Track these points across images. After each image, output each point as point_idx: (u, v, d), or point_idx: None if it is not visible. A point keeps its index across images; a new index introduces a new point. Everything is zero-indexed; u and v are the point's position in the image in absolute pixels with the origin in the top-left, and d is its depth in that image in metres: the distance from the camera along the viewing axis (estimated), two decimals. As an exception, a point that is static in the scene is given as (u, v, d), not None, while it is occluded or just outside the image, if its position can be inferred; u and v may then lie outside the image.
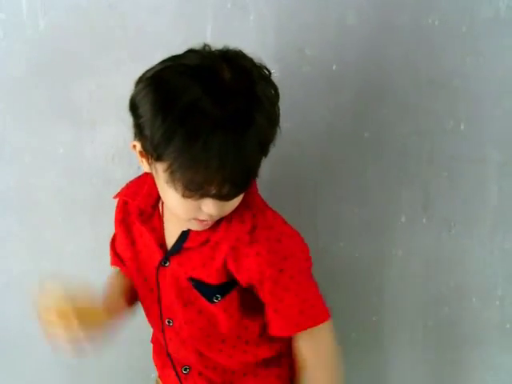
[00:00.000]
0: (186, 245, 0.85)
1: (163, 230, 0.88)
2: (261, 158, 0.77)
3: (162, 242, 0.88)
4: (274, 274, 0.81)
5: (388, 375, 1.24)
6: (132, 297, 0.98)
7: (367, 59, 1.03)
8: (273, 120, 0.76)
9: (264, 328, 0.88)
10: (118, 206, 0.97)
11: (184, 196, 0.75)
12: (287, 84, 0.91)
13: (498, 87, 1.02)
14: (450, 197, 1.09)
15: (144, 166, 0.82)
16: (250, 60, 0.78)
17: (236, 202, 0.79)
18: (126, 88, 1.10)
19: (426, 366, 1.16)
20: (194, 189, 0.73)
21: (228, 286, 0.84)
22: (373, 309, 1.16)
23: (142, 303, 0.97)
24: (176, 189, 0.75)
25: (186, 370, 0.94)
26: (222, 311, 0.85)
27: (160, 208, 0.90)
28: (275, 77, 0.80)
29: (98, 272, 1.22)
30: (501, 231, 1.10)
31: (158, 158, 0.74)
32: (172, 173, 0.73)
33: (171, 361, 0.95)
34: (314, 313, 0.84)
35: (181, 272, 0.86)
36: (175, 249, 0.86)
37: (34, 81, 1.11)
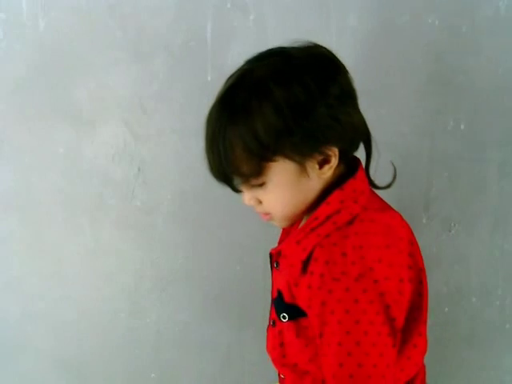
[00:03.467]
0: (273, 250, 0.84)
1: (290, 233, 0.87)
2: (246, 157, 0.73)
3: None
4: (322, 313, 0.72)
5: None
6: None
7: (367, 59, 1.03)
8: (271, 123, 0.72)
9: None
10: None
11: None
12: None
13: (498, 87, 1.02)
14: (450, 197, 1.09)
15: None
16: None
17: (270, 195, 0.76)
18: (125, 88, 1.11)
19: (426, 365, 1.17)
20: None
21: (297, 310, 0.77)
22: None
23: None
24: None
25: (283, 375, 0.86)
26: (295, 335, 0.79)
27: None
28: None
29: (98, 272, 1.23)
30: (501, 231, 1.10)
31: None
32: None
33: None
34: (358, 372, 0.69)
35: (277, 280, 0.83)
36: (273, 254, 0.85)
37: (33, 81, 1.11)
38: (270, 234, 1.14)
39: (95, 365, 1.29)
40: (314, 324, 0.74)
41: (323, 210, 0.76)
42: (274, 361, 0.87)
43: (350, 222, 0.75)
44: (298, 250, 0.76)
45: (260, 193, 0.77)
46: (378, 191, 0.85)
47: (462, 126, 1.05)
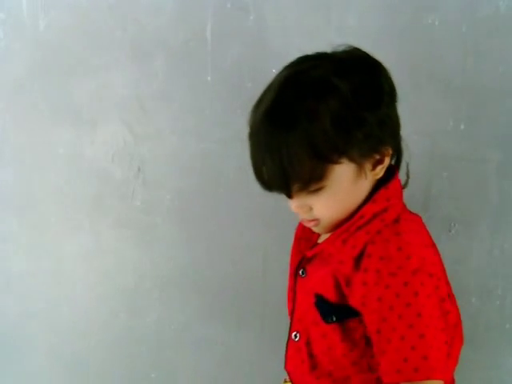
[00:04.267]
0: (309, 253, 0.81)
1: (315, 240, 0.85)
2: (311, 162, 0.70)
3: (305, 250, 0.84)
4: (379, 309, 0.71)
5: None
6: None
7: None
8: (339, 116, 0.70)
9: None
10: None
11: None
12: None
13: (498, 87, 1.02)
14: (450, 197, 1.09)
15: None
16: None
17: (324, 200, 0.74)
18: (125, 88, 1.11)
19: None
20: (262, 183, 0.74)
21: (346, 310, 0.76)
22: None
23: None
24: None
25: None
26: (340, 339, 0.77)
27: None
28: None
29: (98, 272, 1.23)
30: (501, 231, 1.10)
31: None
32: None
33: (291, 380, 0.87)
34: (423, 364, 0.69)
35: (310, 285, 0.81)
36: (304, 259, 0.83)
37: (33, 81, 1.11)
38: (270, 234, 1.14)
39: (95, 364, 1.29)
40: (370, 321, 0.73)
41: (369, 208, 0.76)
42: (301, 375, 0.84)
43: (397, 221, 0.76)
44: (346, 248, 0.75)
45: (313, 198, 0.74)
46: None
47: (462, 126, 1.05)
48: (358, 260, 0.74)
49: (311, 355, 0.82)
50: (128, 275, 1.22)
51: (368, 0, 1.01)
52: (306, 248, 0.85)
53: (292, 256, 0.89)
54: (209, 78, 1.07)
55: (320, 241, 0.84)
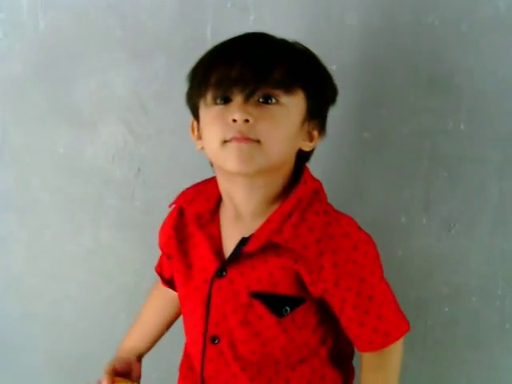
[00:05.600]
0: (246, 249, 0.78)
1: (221, 237, 0.83)
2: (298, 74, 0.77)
3: (219, 250, 0.82)
4: (355, 285, 0.77)
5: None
6: (173, 318, 1.00)
7: (367, 59, 1.03)
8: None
9: (322, 351, 0.84)
10: (172, 214, 0.92)
11: (215, 101, 0.75)
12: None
13: (498, 87, 1.02)
14: (450, 197, 1.09)
15: (197, 143, 0.85)
16: None
17: (273, 120, 0.74)
18: (125, 88, 1.11)
19: (426, 365, 1.16)
20: (219, 81, 0.74)
21: (298, 299, 0.79)
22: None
23: (184, 319, 0.90)
24: (207, 104, 0.76)
25: None
26: (283, 330, 0.80)
27: (219, 214, 0.85)
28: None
29: (98, 272, 1.23)
30: (501, 231, 1.10)
31: (194, 102, 0.81)
32: (199, 86, 0.77)
33: None
34: (399, 322, 0.81)
35: (241, 285, 0.79)
36: (234, 255, 0.80)
37: (34, 81, 1.11)
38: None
39: (95, 365, 1.29)
40: (342, 299, 0.78)
41: (304, 189, 0.80)
42: (225, 379, 0.83)
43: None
44: (302, 232, 0.76)
45: (264, 112, 0.74)
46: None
47: (462, 126, 1.05)
48: (319, 242, 0.76)
49: (237, 357, 0.81)
50: (128, 275, 1.22)
51: (368, 0, 1.01)
52: (216, 247, 0.82)
53: (193, 257, 0.85)
54: (209, 78, 1.07)
55: (229, 241, 0.81)
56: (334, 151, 1.09)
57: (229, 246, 0.82)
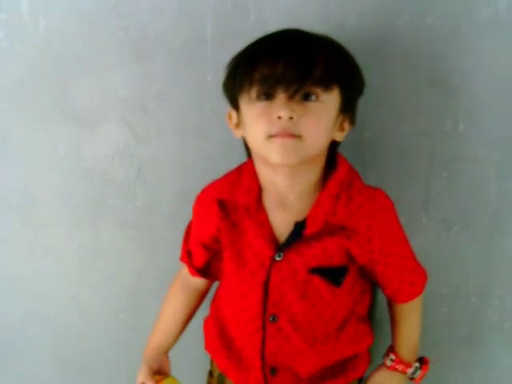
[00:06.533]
0: (307, 232, 0.85)
1: (269, 223, 0.88)
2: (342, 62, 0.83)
3: (271, 236, 0.88)
4: (395, 250, 0.90)
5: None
6: (194, 311, 1.05)
7: (367, 60, 1.03)
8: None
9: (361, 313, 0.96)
10: (211, 207, 0.93)
11: (258, 98, 0.79)
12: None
13: (497, 87, 1.03)
14: (449, 197, 1.09)
15: (236, 132, 0.88)
16: None
17: (314, 116, 0.79)
18: (126, 88, 1.11)
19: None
20: (263, 78, 0.78)
21: (346, 267, 0.89)
22: (372, 308, 1.16)
23: (229, 305, 0.96)
24: (250, 99, 0.80)
25: (273, 371, 0.93)
26: (334, 297, 0.89)
27: (264, 202, 0.89)
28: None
29: (99, 272, 1.23)
30: (500, 231, 1.10)
31: (234, 94, 0.84)
32: (242, 81, 0.81)
33: (262, 362, 0.92)
34: (422, 269, 0.95)
35: (300, 264, 0.87)
36: (292, 239, 0.86)
37: (34, 81, 1.11)
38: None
39: (96, 365, 1.29)
40: (386, 263, 0.90)
41: (342, 171, 0.89)
42: (287, 352, 0.91)
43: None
44: (352, 210, 0.85)
45: (305, 109, 0.79)
46: (385, 189, 0.93)
47: (462, 126, 1.05)
48: (368, 218, 0.85)
49: (296, 329, 0.90)
50: (129, 275, 1.22)
51: (368, 0, 1.01)
52: (268, 233, 0.88)
53: (242, 245, 0.90)
54: (209, 78, 1.07)
55: (278, 226, 0.88)
56: (333, 151, 1.09)
57: (279, 231, 0.88)
